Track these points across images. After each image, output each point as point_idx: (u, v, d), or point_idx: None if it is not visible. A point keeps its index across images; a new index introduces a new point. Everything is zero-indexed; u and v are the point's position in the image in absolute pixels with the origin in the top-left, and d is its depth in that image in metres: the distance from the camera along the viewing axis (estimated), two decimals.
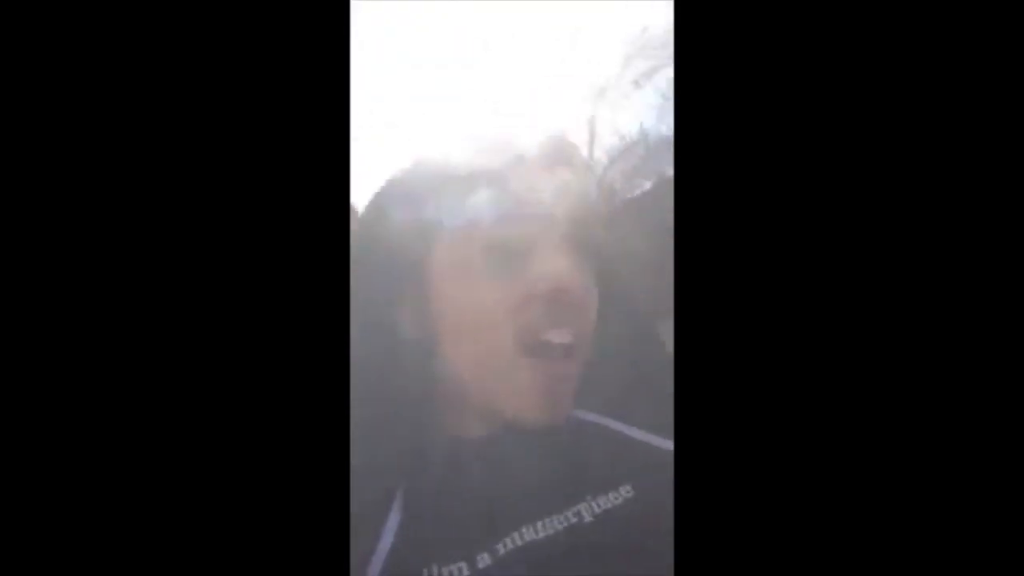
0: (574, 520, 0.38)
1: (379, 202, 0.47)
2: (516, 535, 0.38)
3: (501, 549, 0.38)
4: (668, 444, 0.42)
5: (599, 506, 0.39)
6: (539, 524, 0.38)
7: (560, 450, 0.41)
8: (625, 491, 0.40)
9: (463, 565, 0.37)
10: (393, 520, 0.39)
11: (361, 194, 0.47)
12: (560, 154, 0.45)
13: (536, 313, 0.39)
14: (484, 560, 0.37)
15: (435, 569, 0.37)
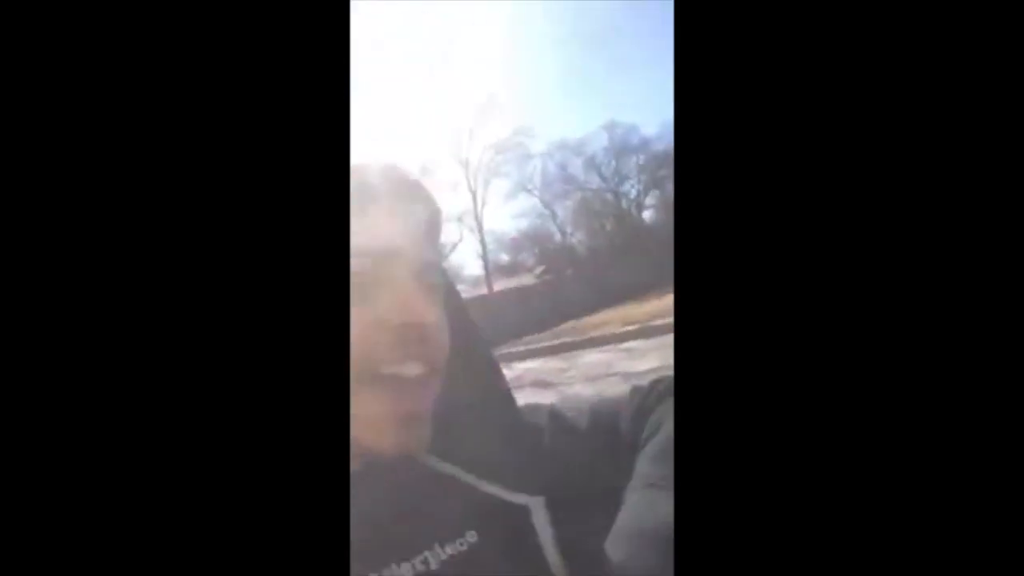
0: (421, 568, 0.39)
1: None
2: None
3: None
4: (510, 495, 0.43)
5: (445, 552, 0.40)
6: (385, 571, 0.38)
7: (410, 497, 0.42)
8: (471, 537, 0.41)
9: None
10: None
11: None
12: (407, 188, 0.45)
13: (385, 345, 0.39)
14: None
15: None
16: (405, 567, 0.39)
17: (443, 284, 0.45)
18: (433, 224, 0.46)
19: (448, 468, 0.44)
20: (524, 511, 0.42)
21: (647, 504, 0.40)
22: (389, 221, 0.42)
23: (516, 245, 23.66)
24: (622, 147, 21.22)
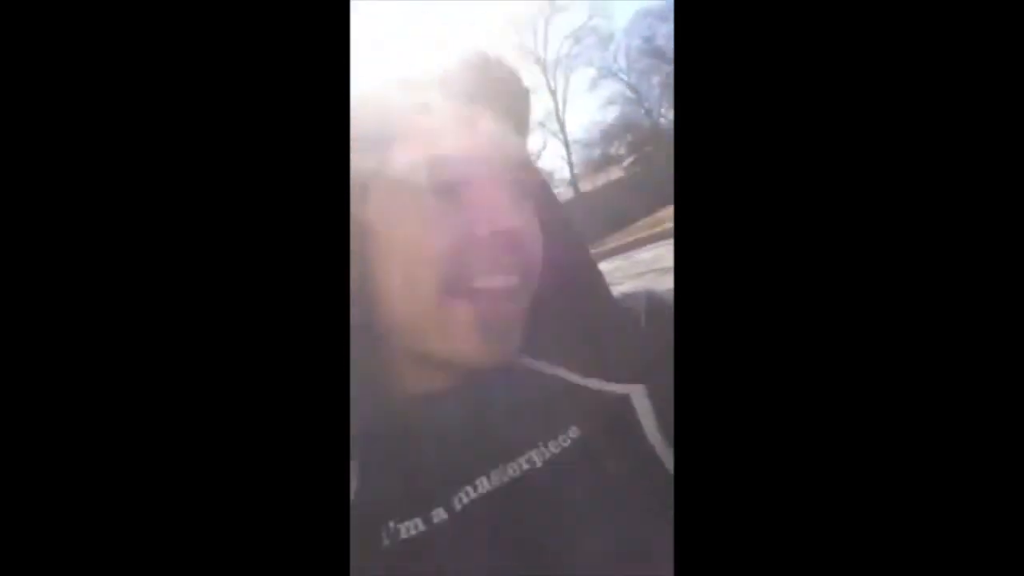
0: (527, 467, 0.39)
1: None
2: (470, 488, 0.39)
3: (457, 503, 0.39)
4: (610, 386, 0.42)
5: (549, 451, 0.40)
6: (493, 474, 0.39)
7: (507, 398, 0.42)
8: (573, 433, 0.41)
9: (418, 521, 0.38)
10: (351, 484, 0.39)
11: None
12: (500, 91, 0.42)
13: (475, 257, 0.38)
14: (440, 515, 0.38)
15: (391, 526, 0.38)
16: (512, 467, 0.39)
17: (536, 183, 0.44)
18: (520, 115, 0.44)
19: (546, 367, 0.43)
20: (625, 400, 0.41)
21: None
22: (470, 119, 0.40)
23: (606, 137, 22.77)
24: None
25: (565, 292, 0.45)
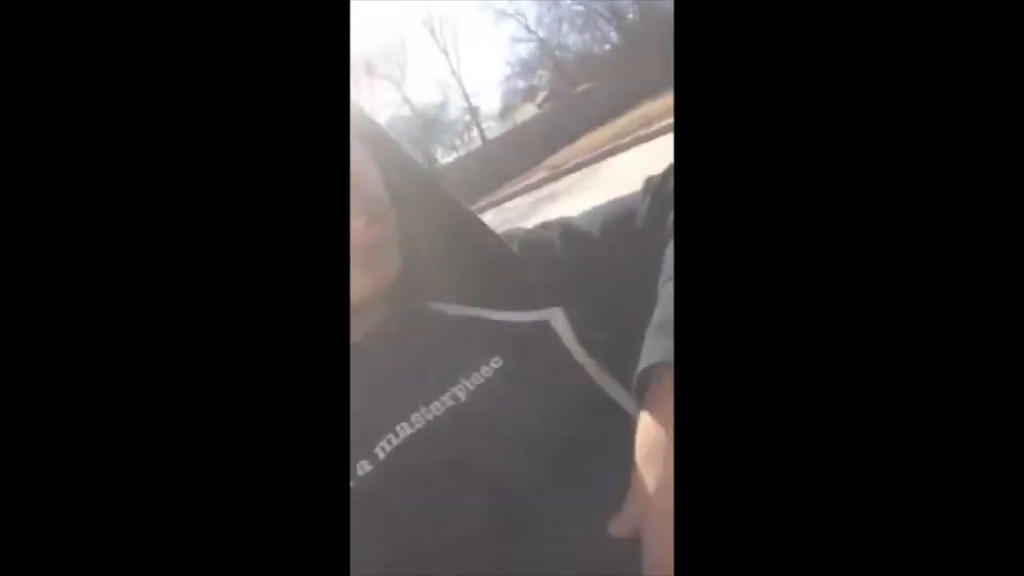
0: (451, 403, 0.39)
1: None
2: (391, 436, 0.38)
3: (380, 453, 0.38)
4: (526, 315, 0.43)
5: (472, 383, 0.40)
6: (414, 417, 0.39)
7: (422, 343, 0.43)
8: (496, 363, 0.41)
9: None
10: None
11: None
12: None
13: None
14: (364, 467, 0.38)
15: None
16: (435, 406, 0.39)
17: (371, 136, 0.44)
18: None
19: (458, 310, 0.44)
20: (544, 326, 0.42)
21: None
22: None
23: (511, 81, 22.02)
24: None
25: (443, 236, 0.46)
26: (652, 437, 0.34)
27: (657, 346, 0.35)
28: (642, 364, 0.34)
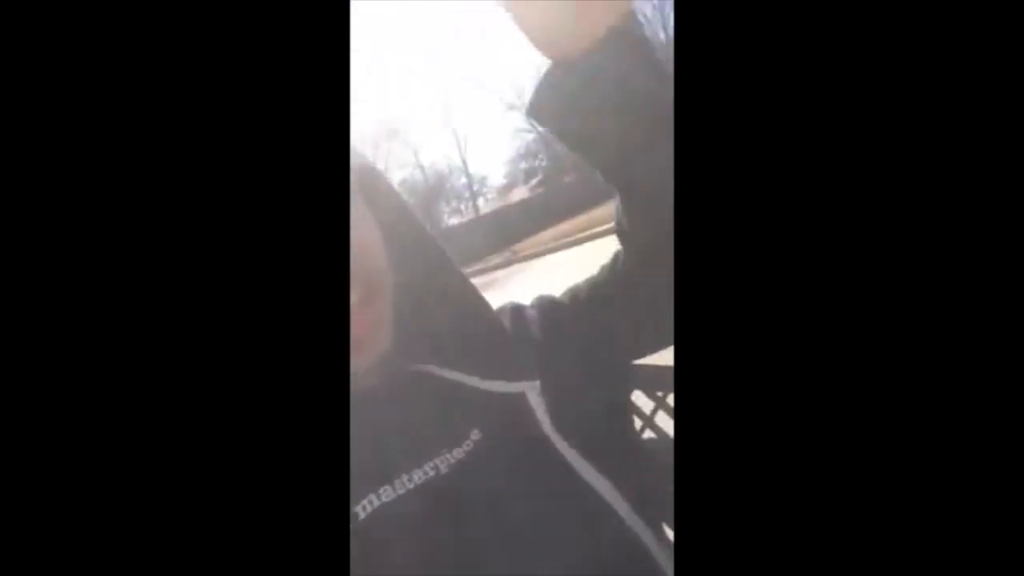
0: (431, 474, 0.40)
1: None
2: (373, 496, 0.40)
3: (361, 513, 0.39)
4: (508, 387, 0.44)
5: (453, 456, 0.41)
6: (396, 483, 0.40)
7: (407, 405, 0.44)
8: (475, 435, 0.42)
9: None
10: None
11: None
12: None
13: None
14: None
15: None
16: (417, 474, 0.40)
17: (380, 201, 0.46)
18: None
19: (446, 373, 0.45)
20: (521, 398, 0.43)
21: None
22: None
23: (513, 165, 23.96)
24: None
25: (439, 301, 0.47)
26: None
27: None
28: None
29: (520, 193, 21.28)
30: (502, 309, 0.52)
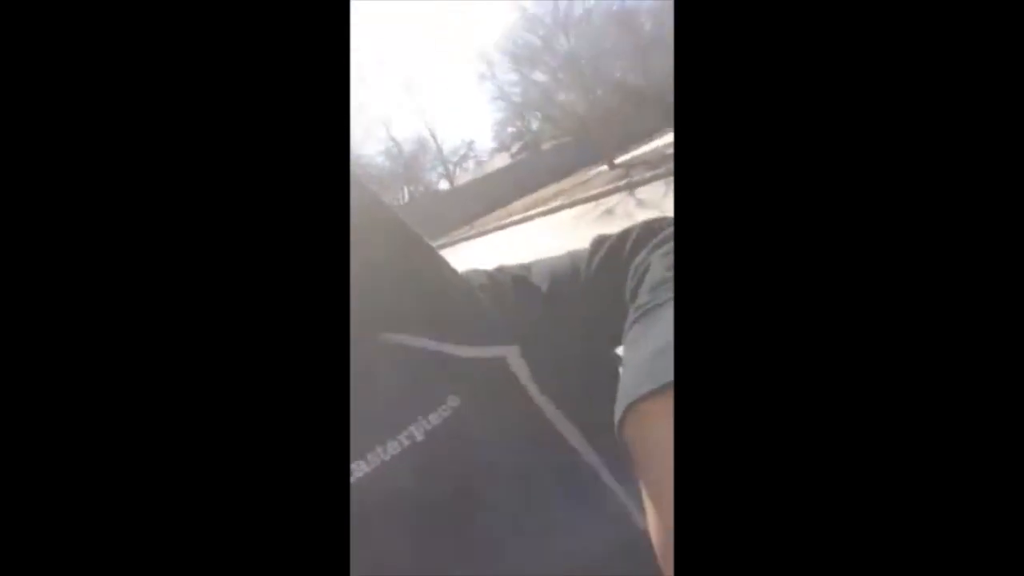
0: (407, 443, 0.39)
1: None
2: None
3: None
4: (483, 351, 0.42)
5: (429, 423, 0.40)
6: (369, 455, 0.38)
7: (376, 375, 0.42)
8: (452, 402, 0.41)
9: None
10: None
11: None
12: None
13: None
14: None
15: None
16: (392, 445, 0.38)
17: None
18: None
19: (410, 340, 0.43)
20: (501, 362, 0.42)
21: (654, 322, 0.37)
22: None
23: (497, 133, 23.75)
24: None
25: (406, 276, 0.46)
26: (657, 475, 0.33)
27: (636, 380, 0.34)
28: (625, 400, 0.33)
29: (501, 161, 21.10)
30: (474, 274, 0.51)
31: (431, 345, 0.43)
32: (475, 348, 0.43)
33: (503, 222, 11.50)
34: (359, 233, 0.42)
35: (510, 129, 22.75)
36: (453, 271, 0.48)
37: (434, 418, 0.40)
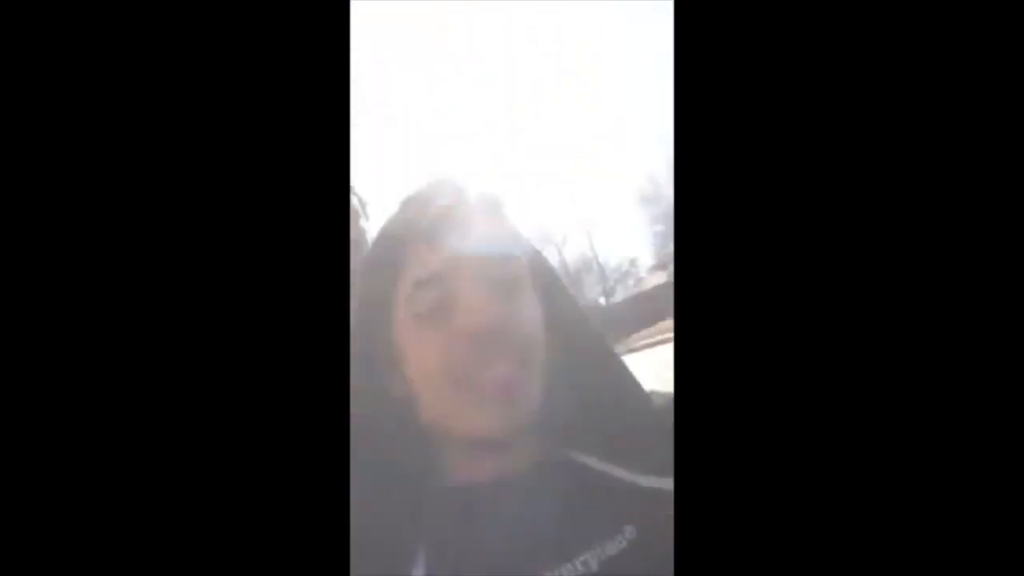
0: (582, 570, 0.39)
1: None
2: None
3: None
4: (657, 482, 0.42)
5: (605, 552, 0.40)
6: (546, 574, 0.39)
7: (558, 492, 0.43)
8: (629, 533, 0.41)
9: None
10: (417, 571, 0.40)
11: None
12: (486, 204, 0.48)
13: (467, 357, 0.42)
14: None
15: None
16: (567, 569, 0.39)
17: (528, 277, 0.47)
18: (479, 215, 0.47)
19: (595, 463, 0.44)
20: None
21: None
22: (470, 232, 0.44)
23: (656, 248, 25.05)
24: None
25: (594, 385, 0.47)
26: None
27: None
28: None
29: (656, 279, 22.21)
30: (656, 396, 0.51)
31: (616, 471, 0.45)
32: (655, 479, 0.43)
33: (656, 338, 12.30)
34: (555, 333, 0.47)
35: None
36: (641, 390, 0.50)
37: (611, 547, 0.41)
